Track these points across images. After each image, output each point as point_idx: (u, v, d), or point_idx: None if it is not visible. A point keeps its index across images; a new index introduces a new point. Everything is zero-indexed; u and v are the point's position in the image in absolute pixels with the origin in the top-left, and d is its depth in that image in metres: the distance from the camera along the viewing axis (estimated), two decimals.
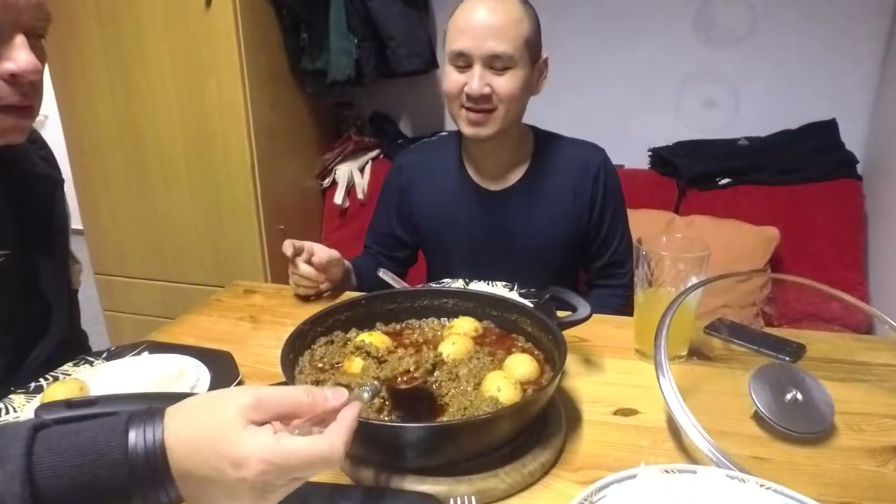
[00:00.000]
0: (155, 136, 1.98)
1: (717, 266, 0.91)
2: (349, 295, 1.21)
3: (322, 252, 1.16)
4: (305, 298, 1.20)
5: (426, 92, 2.38)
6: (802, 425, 0.74)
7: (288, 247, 1.15)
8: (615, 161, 1.34)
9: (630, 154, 2.05)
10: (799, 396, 0.76)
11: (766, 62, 2.02)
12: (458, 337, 0.85)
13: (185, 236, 2.08)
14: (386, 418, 0.70)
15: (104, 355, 0.93)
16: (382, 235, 1.43)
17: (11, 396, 0.82)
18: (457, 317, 0.93)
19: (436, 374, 0.75)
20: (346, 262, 1.27)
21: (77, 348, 1.02)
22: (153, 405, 0.49)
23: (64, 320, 0.96)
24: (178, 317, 1.15)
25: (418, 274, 1.48)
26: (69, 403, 0.68)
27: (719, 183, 1.98)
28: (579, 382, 0.88)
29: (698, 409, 0.69)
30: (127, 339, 1.08)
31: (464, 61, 1.15)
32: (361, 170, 2.31)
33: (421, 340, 0.89)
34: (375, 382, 0.62)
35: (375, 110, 2.44)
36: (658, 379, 0.72)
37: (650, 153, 2.15)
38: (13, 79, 0.73)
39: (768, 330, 1.06)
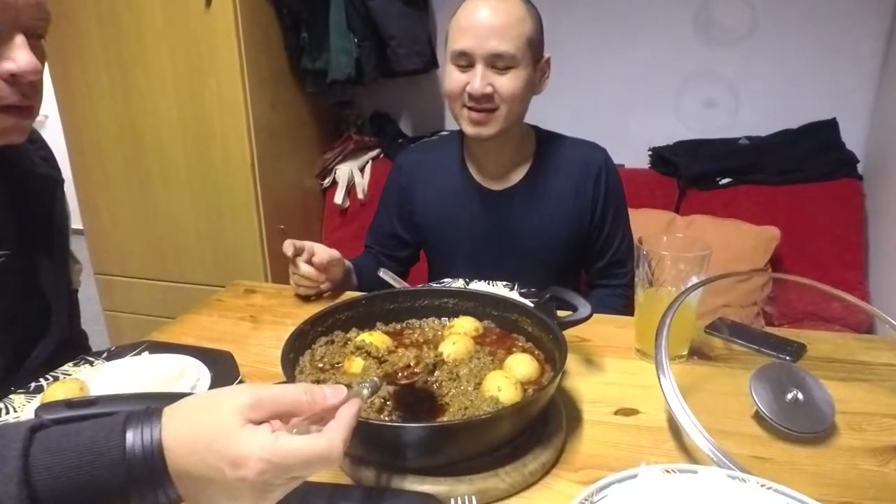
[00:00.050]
0: (155, 136, 1.98)
1: (717, 266, 0.91)
2: (349, 295, 1.21)
3: (322, 252, 1.16)
4: (306, 298, 1.20)
5: (426, 91, 2.38)
6: (803, 425, 0.74)
7: (288, 247, 1.15)
8: (616, 161, 1.34)
9: (630, 154, 2.04)
10: (800, 396, 0.76)
11: (766, 62, 2.02)
12: (458, 337, 0.85)
13: (185, 236, 2.08)
14: (386, 418, 0.70)
15: (104, 355, 0.93)
16: (383, 235, 1.43)
17: (12, 396, 0.82)
18: (457, 316, 0.93)
19: (436, 373, 0.75)
20: (347, 262, 1.27)
21: (77, 348, 1.02)
22: (152, 405, 0.49)
23: (64, 320, 0.96)
24: (178, 317, 1.15)
25: (419, 273, 1.48)
26: (69, 403, 0.68)
27: (720, 182, 1.97)
28: (580, 382, 0.88)
29: (699, 408, 0.69)
30: (127, 339, 1.08)
31: (466, 61, 1.15)
32: (362, 169, 2.31)
33: (421, 340, 0.89)
34: (375, 379, 0.62)
35: (376, 110, 2.44)
36: (659, 379, 0.72)
37: (650, 153, 2.15)
38: (13, 79, 0.73)
39: (769, 329, 1.06)
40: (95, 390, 0.81)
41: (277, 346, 0.77)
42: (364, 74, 2.12)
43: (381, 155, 2.36)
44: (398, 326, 0.93)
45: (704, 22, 2.04)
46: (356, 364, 0.78)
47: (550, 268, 1.31)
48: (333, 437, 0.47)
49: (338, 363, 0.81)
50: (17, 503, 0.42)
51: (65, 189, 0.99)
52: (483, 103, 1.16)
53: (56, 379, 0.86)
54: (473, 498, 0.64)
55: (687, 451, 0.73)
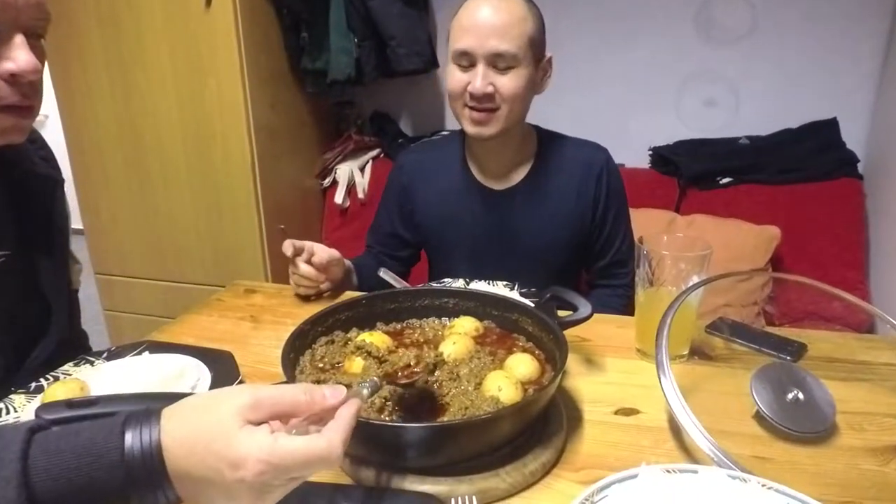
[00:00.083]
0: (155, 136, 1.98)
1: (718, 265, 0.91)
2: (350, 294, 1.21)
3: (322, 252, 1.16)
4: (306, 298, 1.20)
5: (426, 91, 2.38)
6: (804, 425, 0.74)
7: (288, 247, 1.15)
8: (616, 160, 1.34)
9: (631, 153, 2.04)
10: (800, 396, 0.76)
11: (766, 61, 2.02)
12: (458, 337, 0.85)
13: (185, 236, 2.08)
14: (386, 418, 0.70)
15: (105, 355, 0.93)
16: (384, 235, 1.43)
17: (12, 396, 0.82)
18: (457, 316, 0.93)
19: (436, 373, 0.75)
20: (347, 262, 1.27)
21: (77, 348, 1.02)
22: (151, 406, 0.48)
23: (64, 320, 0.96)
24: (178, 316, 1.15)
25: (420, 273, 1.48)
26: (69, 403, 0.68)
27: (720, 182, 1.97)
28: (580, 382, 0.88)
29: (699, 408, 0.69)
30: (127, 339, 1.08)
31: (467, 60, 1.15)
32: (362, 169, 2.31)
33: (422, 340, 0.89)
34: (375, 379, 0.62)
35: (376, 109, 2.44)
36: (659, 378, 0.72)
37: (651, 152, 2.14)
38: (13, 79, 0.73)
39: (769, 329, 1.05)
40: (96, 390, 0.81)
41: (277, 346, 0.76)
42: (364, 74, 2.12)
43: (382, 155, 2.36)
44: (398, 326, 0.93)
45: (705, 22, 2.04)
46: (356, 364, 0.78)
47: (551, 268, 1.31)
48: (332, 437, 0.47)
49: (338, 363, 0.81)
50: None
51: (65, 189, 0.99)
52: (484, 103, 1.16)
53: (56, 379, 0.86)
54: (474, 498, 0.64)
55: (687, 451, 0.73)
